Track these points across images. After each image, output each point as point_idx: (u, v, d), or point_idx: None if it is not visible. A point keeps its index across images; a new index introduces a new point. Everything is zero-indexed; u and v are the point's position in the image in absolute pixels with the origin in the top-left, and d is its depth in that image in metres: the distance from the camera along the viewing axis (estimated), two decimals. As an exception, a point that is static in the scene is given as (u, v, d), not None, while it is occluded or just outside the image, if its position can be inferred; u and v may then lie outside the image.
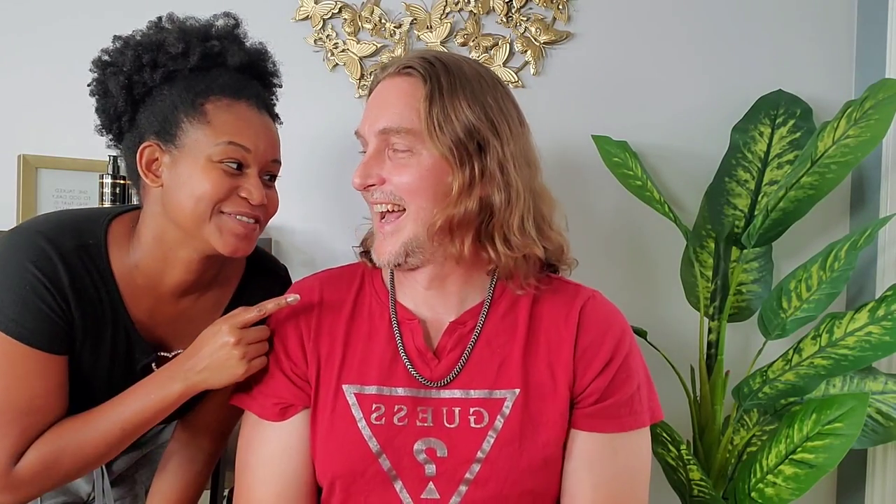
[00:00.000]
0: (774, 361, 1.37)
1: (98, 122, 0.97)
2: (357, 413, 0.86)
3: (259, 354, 0.89)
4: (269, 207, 0.95)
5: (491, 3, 1.58)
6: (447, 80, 0.84)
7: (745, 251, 1.50)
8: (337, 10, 1.56)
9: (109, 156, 1.44)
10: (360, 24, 1.57)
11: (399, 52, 1.56)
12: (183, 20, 0.98)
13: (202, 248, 0.92)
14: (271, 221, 0.99)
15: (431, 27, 1.58)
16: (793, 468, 1.23)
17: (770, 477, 1.26)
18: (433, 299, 0.91)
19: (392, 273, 0.94)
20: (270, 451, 0.89)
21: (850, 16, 1.65)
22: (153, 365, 0.98)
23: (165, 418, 1.02)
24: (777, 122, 1.54)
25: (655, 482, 1.39)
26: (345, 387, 0.88)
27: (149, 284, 0.95)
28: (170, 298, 0.97)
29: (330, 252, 1.54)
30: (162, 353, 0.99)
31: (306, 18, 1.56)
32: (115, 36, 0.97)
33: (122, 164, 1.04)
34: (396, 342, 0.89)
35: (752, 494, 1.28)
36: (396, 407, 0.86)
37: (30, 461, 0.87)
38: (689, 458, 1.28)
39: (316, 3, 1.56)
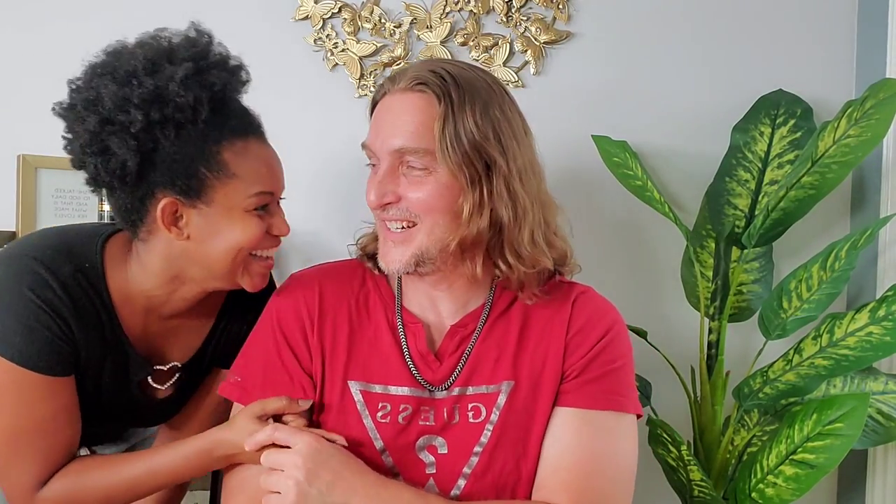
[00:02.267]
0: (775, 362, 1.37)
1: (86, 176, 0.89)
2: (363, 410, 0.88)
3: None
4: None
5: (491, 2, 1.58)
6: (458, 97, 0.84)
7: (745, 251, 1.50)
8: (337, 10, 1.56)
9: (109, 156, 1.44)
10: (359, 23, 1.57)
11: (399, 51, 1.56)
12: (167, 45, 0.89)
13: (222, 285, 0.93)
14: None
15: (431, 27, 1.58)
16: (793, 468, 1.23)
17: (770, 477, 1.26)
18: (440, 300, 0.92)
19: (399, 277, 0.95)
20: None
21: (851, 16, 1.64)
22: (149, 379, 0.99)
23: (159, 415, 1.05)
24: (777, 121, 1.54)
25: (655, 482, 1.40)
26: (350, 383, 0.89)
27: (148, 307, 0.95)
28: (166, 318, 0.98)
29: (329, 253, 1.53)
30: (157, 367, 0.99)
31: (306, 18, 1.55)
32: (97, 80, 0.85)
33: (105, 205, 0.97)
34: (401, 345, 0.91)
35: (753, 495, 1.28)
36: (402, 406, 0.88)
37: (54, 490, 0.88)
38: (690, 458, 1.28)
39: (316, 2, 1.56)
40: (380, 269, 0.94)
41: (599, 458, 0.86)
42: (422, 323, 0.92)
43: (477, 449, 0.87)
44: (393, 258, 0.87)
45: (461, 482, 0.86)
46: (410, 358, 0.90)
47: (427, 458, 0.88)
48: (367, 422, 0.87)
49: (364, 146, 0.90)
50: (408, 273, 0.88)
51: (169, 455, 0.90)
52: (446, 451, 0.87)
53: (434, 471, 0.87)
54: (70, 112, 0.88)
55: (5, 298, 0.86)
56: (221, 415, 1.01)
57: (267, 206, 0.91)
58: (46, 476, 0.88)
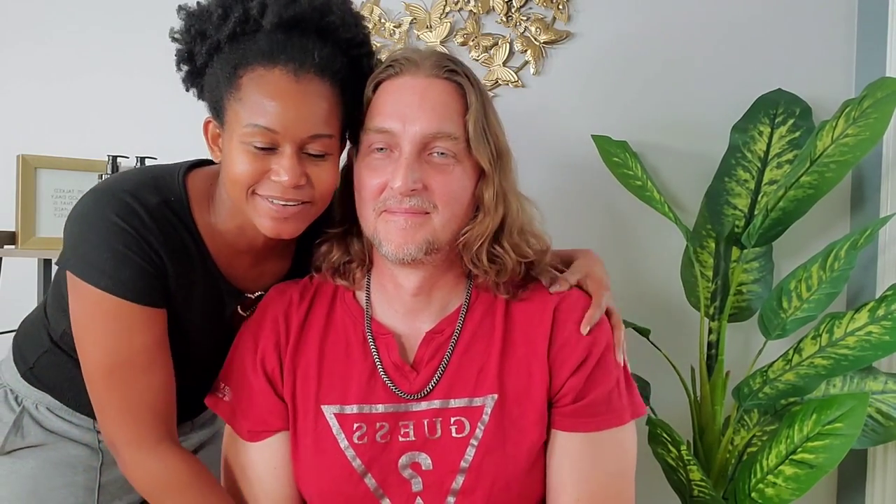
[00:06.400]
0: (775, 361, 1.37)
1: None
2: (339, 434, 0.85)
3: None
4: (317, 186, 0.86)
5: (491, 2, 1.58)
6: (481, 89, 0.86)
7: (745, 251, 1.50)
8: (336, 10, 1.56)
9: (109, 156, 1.44)
10: (359, 23, 1.57)
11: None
12: None
13: (251, 220, 0.89)
14: None
15: (431, 27, 1.58)
16: (793, 468, 1.23)
17: (770, 477, 1.26)
18: (416, 307, 0.89)
19: (368, 288, 0.92)
20: (257, 472, 0.88)
21: (850, 16, 1.64)
22: (239, 308, 0.98)
23: None
24: (776, 121, 1.54)
25: (655, 482, 1.40)
26: (324, 407, 0.86)
27: (229, 244, 0.94)
28: (251, 252, 0.97)
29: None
30: (247, 295, 0.99)
31: (306, 18, 1.56)
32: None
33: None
34: (373, 358, 0.87)
35: (753, 495, 1.28)
36: (378, 424, 0.85)
37: (167, 465, 0.87)
38: (690, 458, 1.28)
39: (315, 3, 1.56)
40: (347, 282, 0.91)
41: (614, 478, 0.86)
42: (393, 334, 0.88)
43: (463, 465, 0.84)
44: (407, 240, 0.81)
45: (451, 499, 0.84)
46: (384, 370, 0.87)
47: (412, 476, 0.85)
48: (344, 445, 0.85)
49: (377, 130, 0.83)
50: (413, 262, 0.83)
51: None
52: (431, 468, 0.84)
53: (420, 489, 0.84)
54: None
55: (94, 227, 0.85)
56: None
57: (273, 145, 0.83)
58: (153, 427, 0.86)
